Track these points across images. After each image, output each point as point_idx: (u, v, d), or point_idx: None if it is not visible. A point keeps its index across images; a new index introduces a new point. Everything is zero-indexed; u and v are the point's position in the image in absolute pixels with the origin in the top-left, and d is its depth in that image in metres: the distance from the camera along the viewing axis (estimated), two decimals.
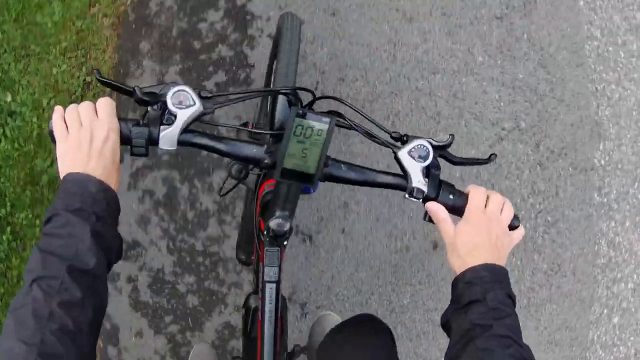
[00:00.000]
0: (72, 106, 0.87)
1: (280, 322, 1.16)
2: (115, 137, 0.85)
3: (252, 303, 1.32)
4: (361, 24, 2.02)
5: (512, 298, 0.87)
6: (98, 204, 0.79)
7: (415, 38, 2.03)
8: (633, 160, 2.03)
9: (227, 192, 1.20)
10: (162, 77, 1.96)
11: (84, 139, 0.83)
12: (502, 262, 0.90)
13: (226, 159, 0.95)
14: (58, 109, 0.87)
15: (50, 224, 0.77)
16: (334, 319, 1.57)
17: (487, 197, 0.94)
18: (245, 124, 1.21)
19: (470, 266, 0.88)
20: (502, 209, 0.94)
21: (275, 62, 1.42)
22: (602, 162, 2.02)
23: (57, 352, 0.65)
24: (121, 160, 0.97)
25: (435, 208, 0.93)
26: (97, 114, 0.86)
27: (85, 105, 0.87)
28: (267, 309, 1.12)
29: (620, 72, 2.05)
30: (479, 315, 0.83)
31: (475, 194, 0.93)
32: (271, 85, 1.51)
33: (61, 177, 0.82)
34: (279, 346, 1.17)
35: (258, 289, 1.16)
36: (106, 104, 0.87)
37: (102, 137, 0.84)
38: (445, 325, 0.91)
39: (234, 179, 1.16)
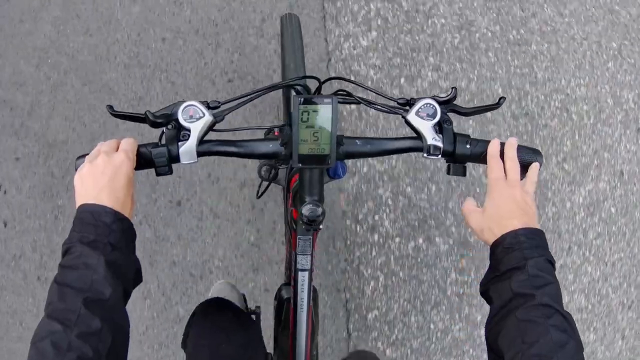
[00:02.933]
0: (99, 144, 0.90)
1: (312, 310, 1.17)
2: (128, 166, 0.86)
3: (285, 294, 1.34)
4: None
5: (551, 263, 0.84)
6: (113, 234, 0.80)
7: None
8: None
9: (262, 194, 1.23)
10: None
11: (98, 170, 0.84)
12: (534, 223, 0.88)
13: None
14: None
15: (67, 257, 0.78)
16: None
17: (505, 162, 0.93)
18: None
19: (508, 230, 0.86)
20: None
21: (284, 60, 1.45)
22: None
23: None
24: None
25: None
26: (117, 149, 0.88)
27: (108, 142, 0.90)
28: (299, 297, 1.13)
29: None
30: (520, 284, 0.80)
31: (494, 164, 0.93)
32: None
33: (76, 207, 0.83)
34: (310, 334, 1.17)
35: (290, 280, 1.16)
36: (127, 140, 0.90)
37: (115, 167, 0.85)
38: (485, 293, 0.89)
39: (264, 180, 1.19)
